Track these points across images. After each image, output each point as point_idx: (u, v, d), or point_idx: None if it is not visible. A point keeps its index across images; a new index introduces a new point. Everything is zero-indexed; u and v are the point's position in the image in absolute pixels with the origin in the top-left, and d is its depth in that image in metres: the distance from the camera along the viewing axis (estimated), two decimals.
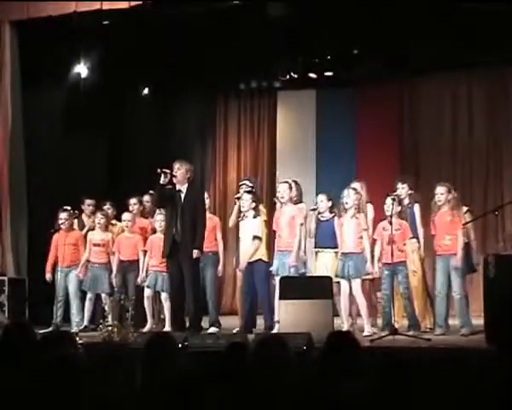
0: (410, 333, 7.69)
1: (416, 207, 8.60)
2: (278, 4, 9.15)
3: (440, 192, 8.09)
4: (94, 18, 9.15)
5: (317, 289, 7.49)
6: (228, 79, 12.22)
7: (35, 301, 9.30)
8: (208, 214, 8.60)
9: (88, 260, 9.16)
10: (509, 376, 3.72)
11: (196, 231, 8.07)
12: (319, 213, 8.59)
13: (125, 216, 9.18)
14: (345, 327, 7.94)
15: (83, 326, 8.97)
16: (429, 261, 8.62)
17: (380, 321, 8.45)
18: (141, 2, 8.84)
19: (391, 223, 7.85)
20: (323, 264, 8.39)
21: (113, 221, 9.55)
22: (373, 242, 8.29)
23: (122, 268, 9.04)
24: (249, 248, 8.44)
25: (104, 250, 9.17)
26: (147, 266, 8.90)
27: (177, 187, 8.20)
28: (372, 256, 8.18)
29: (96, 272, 9.13)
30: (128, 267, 9.04)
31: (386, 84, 11.84)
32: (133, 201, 9.46)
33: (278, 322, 7.77)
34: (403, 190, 8.57)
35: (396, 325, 7.63)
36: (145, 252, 8.97)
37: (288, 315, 7.42)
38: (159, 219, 8.73)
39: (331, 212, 8.55)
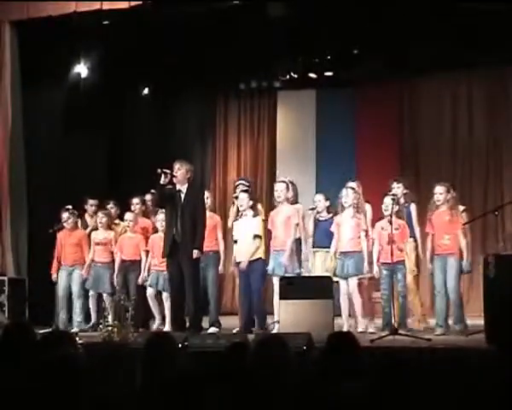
0: (410, 333, 7.69)
1: (413, 207, 8.63)
2: (278, 4, 9.15)
3: (439, 192, 8.09)
4: (94, 18, 9.15)
5: (317, 289, 7.48)
6: (228, 79, 12.23)
7: (35, 301, 9.30)
8: (209, 213, 8.60)
9: (92, 260, 9.20)
10: (509, 376, 3.72)
11: (196, 230, 8.07)
12: (318, 212, 8.62)
13: (128, 216, 9.19)
14: (345, 327, 7.95)
15: (91, 324, 8.98)
16: (424, 260, 8.61)
17: (378, 321, 8.45)
18: (141, 2, 8.84)
19: (391, 222, 7.84)
20: (321, 264, 8.41)
21: (117, 221, 9.56)
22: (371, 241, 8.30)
23: (124, 268, 9.05)
24: (250, 247, 8.46)
25: (107, 249, 9.19)
26: (149, 265, 8.92)
27: (178, 187, 8.19)
28: (370, 256, 8.19)
29: (98, 271, 9.15)
30: (129, 267, 9.05)
31: (386, 84, 11.84)
32: (135, 200, 9.45)
33: (278, 322, 7.78)
34: (398, 189, 8.57)
35: (396, 325, 7.63)
36: (147, 252, 8.99)
37: (288, 315, 7.41)
38: (160, 218, 8.74)
39: (329, 212, 8.59)
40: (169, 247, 8.15)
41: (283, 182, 8.61)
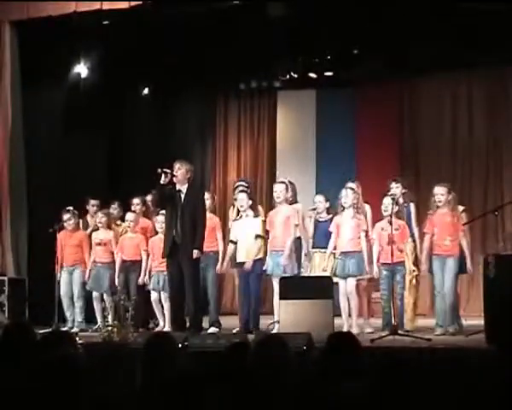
0: (410, 333, 7.69)
1: (412, 207, 8.62)
2: (278, 4, 9.15)
3: (440, 193, 8.05)
4: (94, 18, 9.15)
5: (317, 289, 7.49)
6: (228, 79, 12.22)
7: (35, 301, 9.30)
8: (208, 215, 8.60)
9: (94, 260, 9.19)
10: (509, 376, 3.72)
11: (196, 231, 8.07)
12: (317, 213, 8.62)
13: (128, 216, 9.18)
14: (345, 327, 7.95)
15: (96, 327, 8.95)
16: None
17: (378, 321, 8.45)
18: (141, 2, 8.84)
19: (391, 223, 7.84)
20: (321, 264, 8.41)
21: (118, 221, 9.55)
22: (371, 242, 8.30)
23: (124, 268, 9.04)
24: (253, 247, 8.47)
25: (107, 249, 9.18)
26: (150, 267, 8.91)
27: (178, 187, 8.19)
28: (370, 257, 8.19)
29: (99, 272, 9.14)
30: (130, 267, 9.04)
31: (386, 84, 11.84)
32: (136, 201, 9.44)
33: (278, 322, 7.78)
34: (397, 189, 8.56)
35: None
36: (147, 252, 8.98)
37: (288, 315, 7.42)
38: (160, 220, 8.73)
39: (328, 213, 8.60)
40: (169, 247, 8.15)
41: (282, 183, 8.62)
